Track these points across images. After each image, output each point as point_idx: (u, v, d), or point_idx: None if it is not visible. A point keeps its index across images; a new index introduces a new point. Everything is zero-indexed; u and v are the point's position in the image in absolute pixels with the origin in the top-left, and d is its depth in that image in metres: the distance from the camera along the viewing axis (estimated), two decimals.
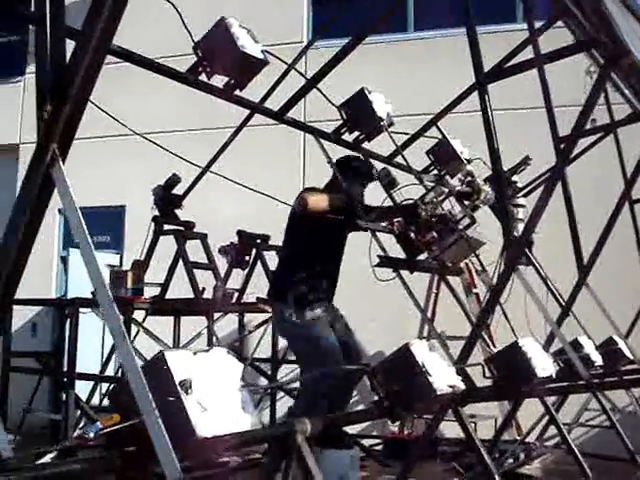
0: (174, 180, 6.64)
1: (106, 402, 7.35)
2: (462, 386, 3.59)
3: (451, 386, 3.48)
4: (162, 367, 2.17)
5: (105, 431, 2.02)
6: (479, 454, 4.24)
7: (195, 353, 2.31)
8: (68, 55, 2.10)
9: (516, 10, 9.58)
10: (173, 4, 4.16)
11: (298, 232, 5.09)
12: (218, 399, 2.25)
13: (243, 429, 2.28)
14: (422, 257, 5.33)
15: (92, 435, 2.08)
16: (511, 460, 6.66)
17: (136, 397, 1.86)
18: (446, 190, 5.15)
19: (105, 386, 7.43)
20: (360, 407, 8.69)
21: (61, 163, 1.83)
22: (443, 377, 3.45)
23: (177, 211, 6.79)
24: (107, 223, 10.29)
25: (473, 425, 6.62)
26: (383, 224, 5.21)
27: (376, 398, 3.42)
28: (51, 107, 1.93)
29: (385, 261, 4.75)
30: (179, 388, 2.15)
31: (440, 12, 9.16)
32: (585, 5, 3.61)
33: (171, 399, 2.10)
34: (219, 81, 4.40)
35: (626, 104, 6.80)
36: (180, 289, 6.73)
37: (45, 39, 2.05)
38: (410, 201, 5.14)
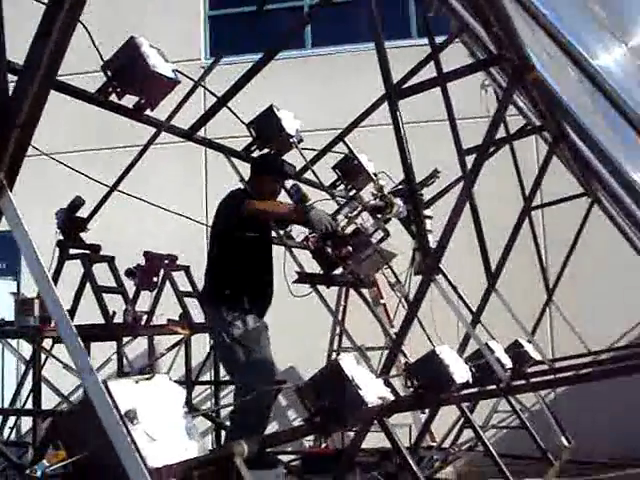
0: (78, 202, 6.46)
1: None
2: (391, 397, 3.64)
3: (381, 397, 3.53)
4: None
5: (53, 467, 1.95)
6: (405, 462, 4.31)
7: (137, 381, 2.26)
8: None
9: (410, 27, 9.84)
10: (81, 21, 4.08)
11: (229, 238, 5.05)
12: (164, 427, 2.21)
13: (191, 455, 2.24)
14: (337, 271, 5.40)
15: (39, 473, 1.99)
16: (429, 467, 6.78)
17: (105, 426, 1.81)
18: (359, 204, 5.23)
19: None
20: (274, 423, 8.75)
21: (9, 193, 1.77)
22: (372, 389, 3.49)
23: (82, 234, 6.61)
24: (2, 248, 9.91)
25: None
26: (298, 240, 5.25)
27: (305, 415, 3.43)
28: None
29: (303, 277, 4.77)
30: (125, 419, 2.10)
31: (337, 28, 9.33)
32: (492, 21, 3.74)
33: None
34: (129, 101, 4.34)
35: (518, 116, 7.13)
36: (89, 314, 6.56)
37: None
38: None
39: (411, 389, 4.47)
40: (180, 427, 2.29)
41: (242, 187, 5.39)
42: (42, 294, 1.79)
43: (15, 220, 1.80)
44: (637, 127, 2.59)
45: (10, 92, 1.99)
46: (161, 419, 2.23)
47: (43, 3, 2.36)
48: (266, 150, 5.58)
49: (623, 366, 4.93)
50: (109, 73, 4.11)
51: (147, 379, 2.30)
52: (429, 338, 5.97)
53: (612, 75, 2.76)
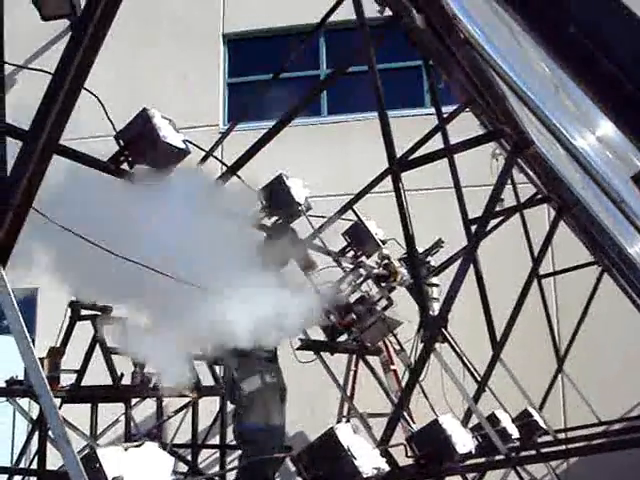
0: None
1: None
2: (386, 467, 3.65)
3: (376, 468, 3.55)
4: (94, 465, 2.17)
5: None
6: None
7: (126, 449, 2.32)
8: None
9: (424, 95, 10.02)
10: (92, 92, 4.24)
11: None
12: None
13: None
14: (342, 338, 5.44)
15: None
16: None
17: None
18: (364, 273, 5.29)
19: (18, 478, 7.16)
20: None
21: (3, 272, 1.86)
22: (368, 459, 3.51)
23: None
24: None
25: None
26: None
27: None
28: None
29: (307, 344, 4.82)
30: None
31: (353, 96, 9.53)
32: (489, 99, 3.86)
33: None
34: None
35: (529, 183, 7.19)
36: (97, 374, 6.61)
37: None
38: (328, 284, 5.27)
39: (412, 459, 4.49)
40: None
41: None
42: (23, 360, 1.86)
43: (7, 300, 1.89)
44: (620, 206, 2.67)
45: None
46: None
47: (49, 73, 2.50)
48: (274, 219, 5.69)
49: (635, 438, 4.90)
50: (121, 142, 4.25)
51: (136, 446, 2.35)
52: (432, 407, 5.96)
53: (591, 158, 2.85)
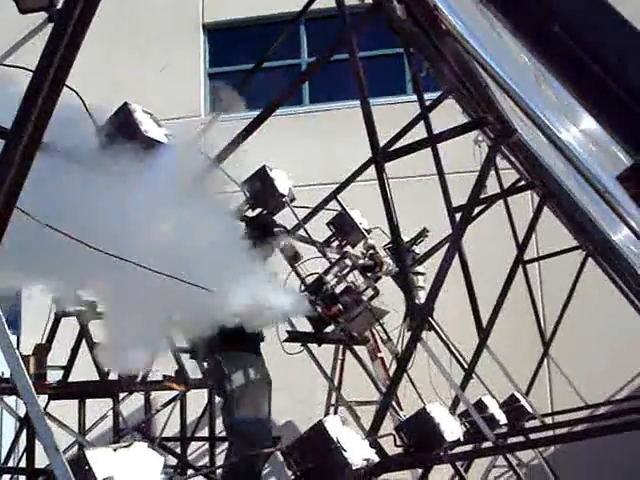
0: None
1: None
2: (376, 458, 3.66)
3: (365, 459, 3.55)
4: (83, 466, 2.16)
5: None
6: None
7: (116, 450, 2.31)
8: None
9: (406, 83, 10.02)
10: (72, 88, 4.21)
11: None
12: None
13: None
14: (329, 329, 5.44)
15: None
16: None
17: None
18: (350, 263, 5.30)
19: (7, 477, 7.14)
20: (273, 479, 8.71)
21: None
22: (357, 451, 3.51)
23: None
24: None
25: None
26: None
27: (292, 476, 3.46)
28: None
29: (294, 336, 4.82)
30: None
31: (335, 84, 9.51)
32: (471, 88, 3.86)
33: None
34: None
35: (512, 169, 7.21)
36: (84, 370, 6.59)
37: None
38: (314, 275, 5.27)
39: (401, 448, 4.51)
40: None
41: None
42: (8, 364, 1.84)
43: None
44: (604, 196, 2.68)
45: None
46: None
47: (30, 70, 2.47)
48: (257, 211, 5.68)
49: (623, 423, 4.93)
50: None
51: (125, 447, 2.34)
52: (420, 396, 5.98)
53: (573, 148, 2.86)
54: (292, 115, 9.99)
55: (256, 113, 5.35)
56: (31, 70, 2.45)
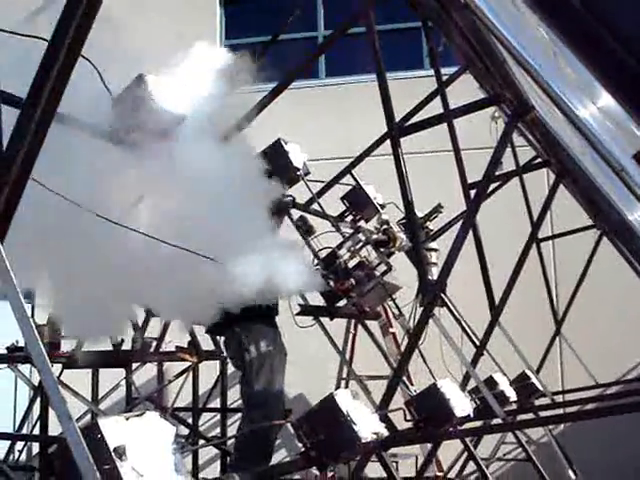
0: None
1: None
2: (385, 432, 3.68)
3: (375, 433, 3.57)
4: (96, 435, 2.18)
5: None
6: None
7: (128, 418, 2.33)
8: None
9: (424, 57, 9.94)
10: (87, 58, 4.20)
11: None
12: (152, 464, 2.27)
13: None
14: (341, 303, 5.46)
15: None
16: None
17: (81, 472, 1.88)
18: (363, 238, 5.29)
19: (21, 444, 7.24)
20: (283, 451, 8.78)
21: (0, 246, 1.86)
22: (367, 425, 3.53)
23: None
24: None
25: (395, 464, 6.74)
26: None
27: (302, 448, 3.48)
28: None
29: (306, 309, 4.84)
30: (114, 455, 2.16)
31: (351, 57, 9.44)
32: (489, 63, 3.83)
33: (106, 467, 2.11)
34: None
35: (528, 146, 7.16)
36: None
37: None
38: (328, 249, 5.28)
39: (411, 423, 4.53)
40: (168, 463, 2.35)
41: None
42: (22, 333, 1.86)
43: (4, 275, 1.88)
44: (620, 175, 2.66)
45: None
46: (150, 455, 2.29)
47: (45, 40, 2.46)
48: None
49: (633, 402, 4.93)
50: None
51: (137, 416, 2.36)
52: (430, 372, 5.99)
53: (591, 125, 2.83)
54: (308, 89, 9.93)
55: (272, 86, 5.32)
56: (46, 40, 2.45)
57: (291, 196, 5.62)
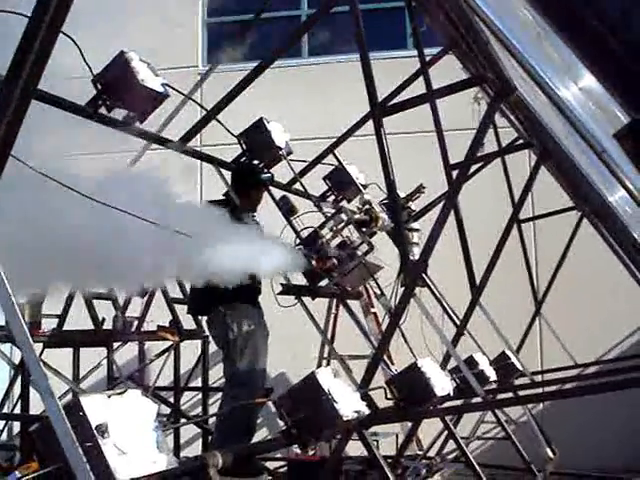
0: None
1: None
2: (366, 410, 3.70)
3: (356, 411, 3.60)
4: (78, 412, 2.19)
5: (24, 479, 2.03)
6: (383, 472, 4.37)
7: (109, 396, 2.33)
8: None
9: (407, 37, 9.90)
10: (68, 35, 4.15)
11: None
12: (134, 441, 2.28)
13: (160, 469, 2.32)
14: (323, 283, 5.47)
15: None
16: (414, 476, 6.84)
17: (64, 449, 1.89)
18: (345, 218, 5.30)
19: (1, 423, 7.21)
20: (264, 429, 8.82)
21: None
22: (348, 403, 3.55)
23: None
24: None
25: (376, 443, 6.80)
26: None
27: (284, 426, 3.50)
28: None
29: (288, 289, 4.84)
30: (96, 433, 2.17)
31: (334, 37, 9.39)
32: (472, 44, 3.83)
33: (89, 444, 2.12)
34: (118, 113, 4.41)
35: (510, 128, 7.17)
36: (78, 320, 6.63)
37: None
38: (310, 229, 5.28)
39: (392, 401, 4.56)
40: (150, 441, 2.36)
41: (221, 198, 5.52)
42: (3, 310, 1.85)
43: None
44: (601, 156, 2.67)
45: None
46: (131, 433, 2.30)
47: (25, 16, 2.44)
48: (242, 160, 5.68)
49: (611, 382, 4.99)
50: (99, 86, 4.18)
51: (119, 394, 2.37)
52: (411, 350, 6.03)
53: (573, 107, 2.85)
54: (291, 68, 9.89)
55: (254, 65, 5.30)
56: (27, 16, 2.43)
57: (270, 173, 5.62)
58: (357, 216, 5.38)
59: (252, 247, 4.14)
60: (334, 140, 6.71)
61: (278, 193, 5.88)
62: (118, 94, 4.22)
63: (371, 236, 5.54)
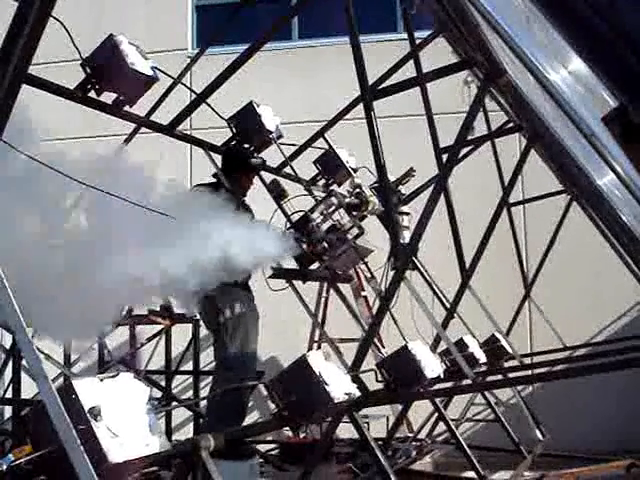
0: None
1: None
2: (357, 393, 3.73)
3: (347, 393, 3.62)
4: (71, 396, 2.20)
5: (18, 462, 2.04)
6: (374, 454, 4.40)
7: (102, 380, 2.35)
8: None
9: (397, 20, 9.88)
10: (58, 19, 4.13)
11: None
12: (127, 424, 2.30)
13: (152, 451, 2.33)
14: (313, 266, 5.48)
15: (4, 467, 2.08)
16: (404, 457, 6.89)
17: (58, 431, 1.90)
18: (335, 202, 5.31)
19: None
20: (255, 412, 8.85)
21: None
22: (339, 385, 3.58)
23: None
24: None
25: (366, 425, 6.83)
26: None
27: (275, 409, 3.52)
28: None
29: (279, 273, 4.86)
30: (89, 416, 2.18)
31: (324, 20, 9.35)
32: (462, 27, 3.83)
33: (81, 427, 2.13)
34: (108, 97, 4.40)
35: (500, 111, 7.18)
36: None
37: None
38: (300, 212, 5.29)
39: (382, 384, 4.60)
40: (142, 423, 2.38)
41: (209, 181, 5.52)
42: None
43: None
44: (590, 140, 2.68)
45: None
46: (124, 416, 2.32)
47: (15, 0, 2.44)
48: (232, 143, 5.67)
49: (599, 364, 5.03)
50: (88, 70, 4.17)
51: (111, 377, 2.38)
52: (401, 334, 6.07)
53: (562, 91, 2.85)
54: (280, 51, 9.85)
55: (244, 48, 5.28)
56: (16, 0, 2.42)
57: (261, 158, 5.62)
58: (347, 200, 5.38)
59: (241, 234, 4.13)
60: (324, 123, 6.70)
61: (268, 177, 5.88)
62: (107, 78, 4.21)
63: (361, 220, 5.55)
